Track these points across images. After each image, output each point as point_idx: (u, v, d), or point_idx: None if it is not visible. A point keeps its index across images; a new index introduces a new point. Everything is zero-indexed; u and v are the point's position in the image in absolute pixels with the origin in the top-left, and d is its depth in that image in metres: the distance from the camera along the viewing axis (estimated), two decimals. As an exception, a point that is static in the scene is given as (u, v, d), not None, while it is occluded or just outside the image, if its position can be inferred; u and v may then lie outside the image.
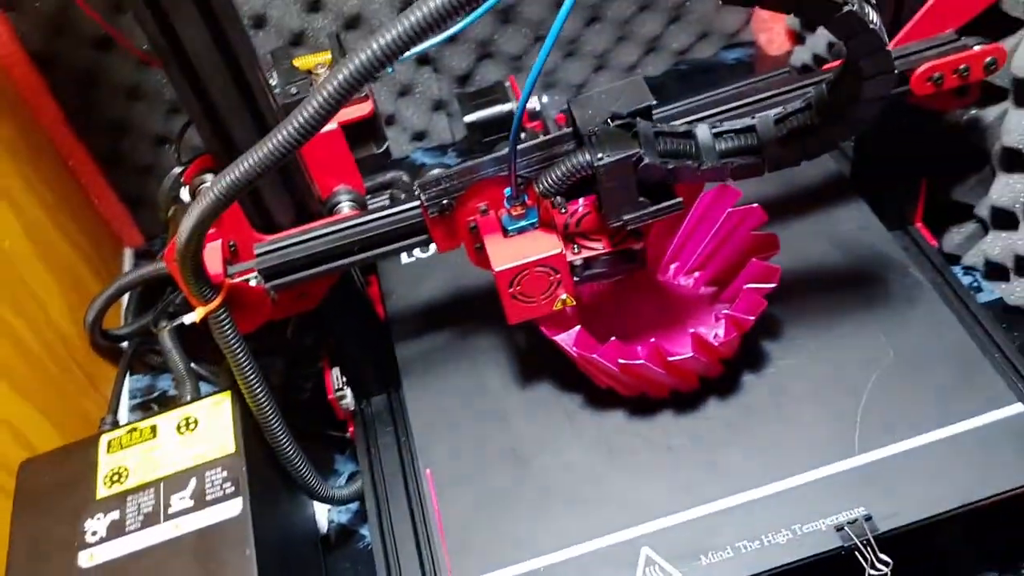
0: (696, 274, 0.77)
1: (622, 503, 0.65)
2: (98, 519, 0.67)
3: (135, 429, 0.72)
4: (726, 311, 0.69)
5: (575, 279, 0.63)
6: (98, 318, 0.92)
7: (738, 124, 0.60)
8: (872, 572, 0.60)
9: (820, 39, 1.06)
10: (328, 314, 0.73)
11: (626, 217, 0.59)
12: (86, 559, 0.65)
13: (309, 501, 0.81)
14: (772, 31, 1.15)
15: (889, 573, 0.60)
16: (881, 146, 0.78)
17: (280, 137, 0.49)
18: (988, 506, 0.62)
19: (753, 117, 0.60)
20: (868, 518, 0.61)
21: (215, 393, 0.73)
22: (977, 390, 0.67)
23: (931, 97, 0.68)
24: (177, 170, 0.69)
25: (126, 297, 1.03)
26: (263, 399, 0.65)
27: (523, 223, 0.62)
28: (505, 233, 0.63)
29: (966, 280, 0.85)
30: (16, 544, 0.67)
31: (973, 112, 0.79)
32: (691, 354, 0.65)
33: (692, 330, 0.70)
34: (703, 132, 0.60)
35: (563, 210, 0.63)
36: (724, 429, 0.68)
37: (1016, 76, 0.72)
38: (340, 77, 0.46)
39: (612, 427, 0.70)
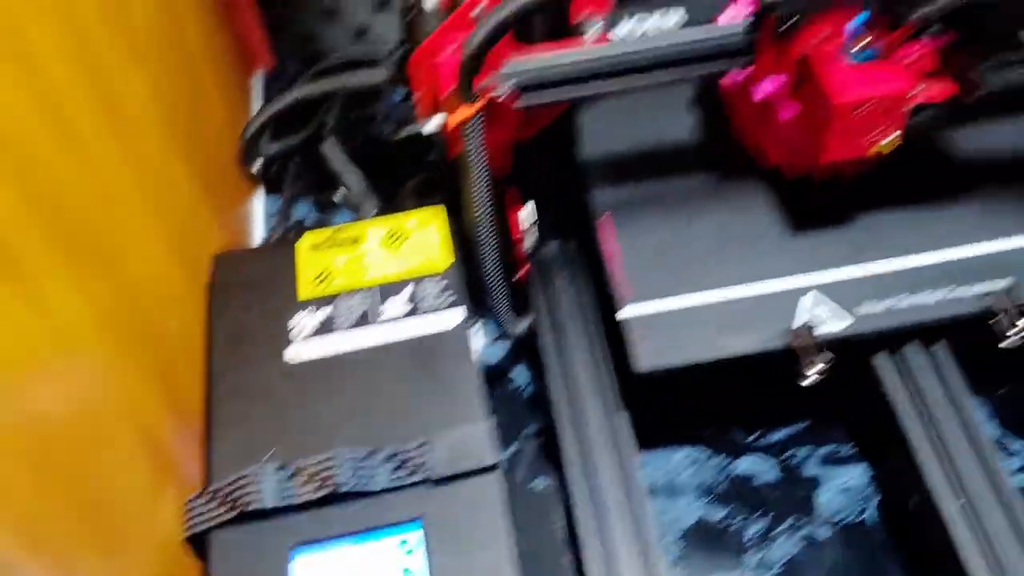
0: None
1: (793, 256, 0.70)
2: (305, 316, 0.66)
3: (340, 230, 0.71)
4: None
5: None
6: (258, 133, 0.89)
7: None
8: (1011, 333, 0.63)
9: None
10: (538, 146, 0.72)
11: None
12: (292, 354, 0.64)
13: (476, 335, 0.81)
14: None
15: None
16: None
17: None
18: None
19: None
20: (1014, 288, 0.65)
21: (424, 207, 0.72)
22: None
23: None
24: (422, -25, 0.67)
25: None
26: (487, 214, 0.65)
27: (865, 55, 0.60)
28: (845, 65, 0.61)
29: None
30: (218, 335, 0.66)
31: None
32: None
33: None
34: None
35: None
36: (893, 206, 0.72)
37: None
38: None
39: (779, 200, 0.74)
